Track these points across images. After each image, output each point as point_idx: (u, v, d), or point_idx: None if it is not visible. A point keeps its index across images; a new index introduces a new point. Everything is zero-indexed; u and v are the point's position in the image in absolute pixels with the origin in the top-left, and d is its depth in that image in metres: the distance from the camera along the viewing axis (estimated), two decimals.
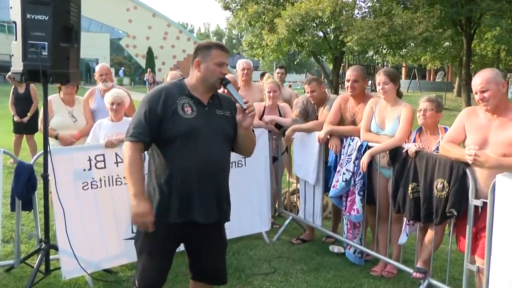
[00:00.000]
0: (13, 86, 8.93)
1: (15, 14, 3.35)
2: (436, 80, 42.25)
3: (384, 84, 4.03)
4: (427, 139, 3.87)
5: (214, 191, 2.75)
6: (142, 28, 46.98)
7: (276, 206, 5.74)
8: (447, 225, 3.70)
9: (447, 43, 22.58)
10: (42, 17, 3.29)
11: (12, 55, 3.44)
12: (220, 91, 2.88)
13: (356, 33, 15.59)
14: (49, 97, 5.09)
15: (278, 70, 7.55)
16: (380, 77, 4.06)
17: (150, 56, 45.24)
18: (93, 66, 38.83)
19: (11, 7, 3.39)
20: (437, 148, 3.69)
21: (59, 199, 3.60)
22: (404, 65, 38.15)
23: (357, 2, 18.42)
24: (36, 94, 8.90)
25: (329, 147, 4.54)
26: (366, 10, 18.33)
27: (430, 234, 3.73)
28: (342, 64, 23.96)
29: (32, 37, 3.32)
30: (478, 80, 3.19)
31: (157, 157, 2.67)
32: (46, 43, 3.31)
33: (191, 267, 2.91)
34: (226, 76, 2.78)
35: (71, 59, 3.60)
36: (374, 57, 25.40)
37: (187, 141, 2.59)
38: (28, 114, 8.74)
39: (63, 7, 3.42)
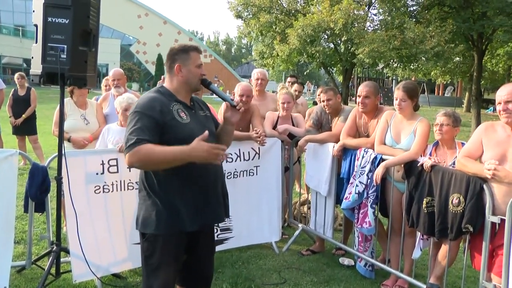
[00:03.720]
0: (13, 89, 8.98)
1: (37, 18, 3.38)
2: (445, 95, 42.23)
3: (401, 100, 3.99)
4: (443, 153, 3.83)
5: (221, 190, 2.84)
6: (153, 35, 47.34)
7: (286, 216, 5.71)
8: (461, 241, 3.65)
9: (457, 58, 22.54)
10: (62, 21, 3.32)
11: (32, 58, 3.46)
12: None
13: (368, 45, 15.58)
14: None
15: (289, 79, 7.54)
16: (398, 92, 4.02)
17: (160, 62, 45.40)
18: (103, 71, 39.37)
19: (33, 11, 3.42)
20: (454, 163, 3.65)
21: (72, 202, 3.59)
22: (413, 79, 38.16)
23: (369, 15, 18.41)
24: (36, 98, 8.98)
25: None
26: (378, 23, 18.34)
27: (444, 249, 3.68)
28: (351, 77, 23.96)
29: (52, 40, 3.36)
30: (504, 91, 3.15)
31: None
32: (65, 46, 3.34)
33: (180, 272, 2.82)
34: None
35: (89, 62, 3.63)
36: (384, 71, 25.35)
37: None
38: (23, 115, 8.75)
39: (83, 11, 3.45)
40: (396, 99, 4.02)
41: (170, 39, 48.28)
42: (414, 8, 18.84)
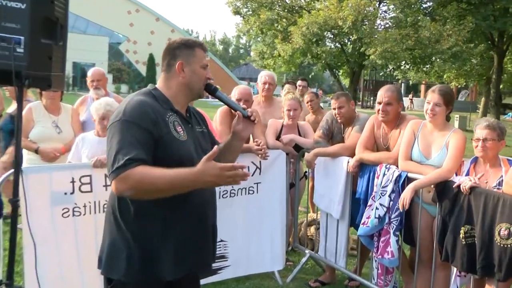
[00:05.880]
0: None
1: None
2: (459, 99, 41.97)
3: (436, 105, 3.59)
4: (485, 172, 3.41)
5: (212, 230, 2.46)
6: (144, 33, 46.95)
7: (290, 239, 5.33)
8: None
9: (474, 60, 22.31)
10: (17, 5, 2.83)
11: None
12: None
13: (380, 45, 15.21)
14: (29, 105, 4.78)
15: (300, 82, 7.27)
16: (433, 95, 3.62)
17: (151, 63, 45.14)
18: None
19: None
20: (499, 184, 3.25)
21: (30, 230, 3.16)
22: (424, 82, 38.00)
23: (380, 12, 18.09)
24: (2, 98, 8.44)
25: None
26: (389, 21, 18.02)
27: None
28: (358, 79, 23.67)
29: (4, 29, 2.87)
30: None
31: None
32: (22, 37, 2.87)
33: None
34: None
35: (55, 59, 3.16)
36: (394, 73, 25.02)
37: None
38: None
39: None
40: (429, 103, 3.62)
41: (162, 38, 47.81)
42: (429, 4, 18.52)
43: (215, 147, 2.07)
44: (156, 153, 2.11)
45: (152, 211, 2.18)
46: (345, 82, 25.36)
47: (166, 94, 2.30)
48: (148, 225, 2.19)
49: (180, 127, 2.24)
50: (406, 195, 3.58)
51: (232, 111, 4.48)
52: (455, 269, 3.50)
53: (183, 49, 2.31)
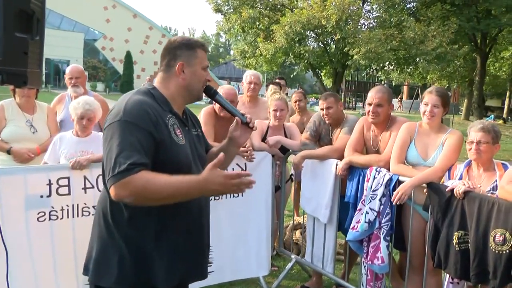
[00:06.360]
0: None
1: None
2: None
3: (434, 106, 3.60)
4: (478, 176, 3.40)
5: (207, 239, 2.46)
6: (121, 30, 46.48)
7: (275, 244, 5.27)
8: None
9: (457, 61, 22.62)
10: None
11: None
12: None
13: (364, 45, 15.27)
14: (1, 102, 4.62)
15: (278, 80, 7.24)
16: (431, 97, 3.62)
17: (128, 61, 44.64)
18: (64, 68, 38.50)
19: None
20: (493, 189, 3.23)
21: (1, 236, 3.04)
22: (406, 83, 38.43)
23: (363, 11, 18.19)
24: None
25: None
26: (373, 21, 18.13)
27: None
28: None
29: None
30: None
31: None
32: None
33: None
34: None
35: (31, 55, 3.03)
36: (377, 74, 25.23)
37: None
38: None
39: None
40: (427, 105, 3.62)
41: (140, 35, 47.60)
42: (413, 5, 18.72)
43: (221, 154, 2.02)
44: (156, 156, 2.06)
45: (146, 220, 2.13)
46: (327, 82, 25.40)
47: (165, 95, 2.26)
48: (142, 233, 2.14)
49: (179, 131, 2.20)
50: (406, 189, 3.53)
51: (217, 112, 4.48)
52: (447, 275, 3.49)
53: (184, 49, 2.28)
